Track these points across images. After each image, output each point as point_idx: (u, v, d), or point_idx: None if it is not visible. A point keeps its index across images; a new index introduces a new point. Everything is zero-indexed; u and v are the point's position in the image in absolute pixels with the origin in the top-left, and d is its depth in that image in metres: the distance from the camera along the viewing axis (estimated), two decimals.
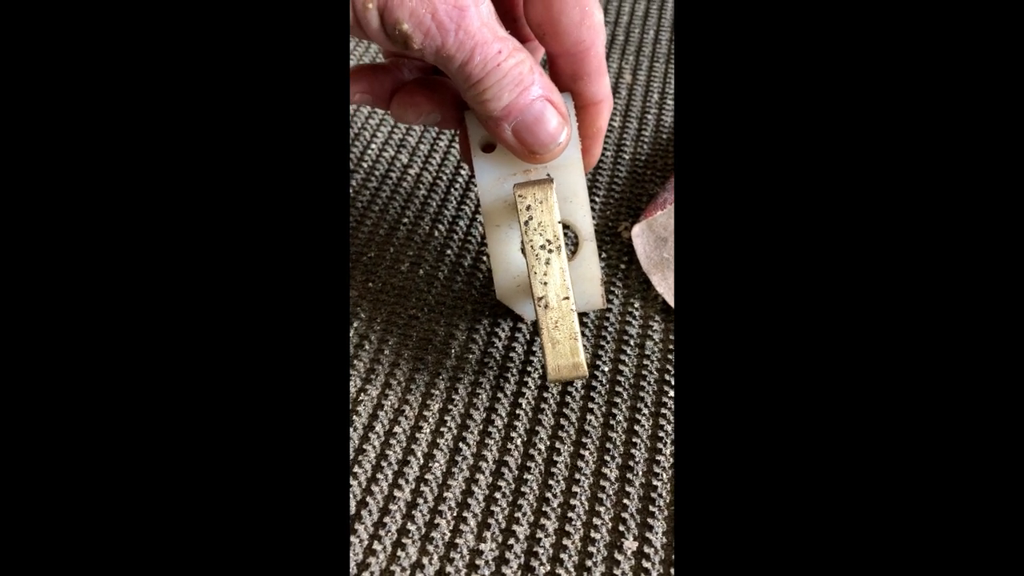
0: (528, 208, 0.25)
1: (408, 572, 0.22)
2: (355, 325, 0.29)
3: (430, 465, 0.25)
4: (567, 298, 0.24)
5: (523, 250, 0.25)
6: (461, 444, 0.25)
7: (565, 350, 0.24)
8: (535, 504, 0.24)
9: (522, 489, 0.24)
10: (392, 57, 0.28)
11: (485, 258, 0.31)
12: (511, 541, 0.23)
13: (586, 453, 0.25)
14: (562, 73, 0.26)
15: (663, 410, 0.26)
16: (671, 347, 0.27)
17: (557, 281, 0.25)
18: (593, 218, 0.31)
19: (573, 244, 0.28)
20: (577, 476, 0.24)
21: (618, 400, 0.26)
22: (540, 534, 0.23)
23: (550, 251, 0.25)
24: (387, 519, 0.23)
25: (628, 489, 0.24)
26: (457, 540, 0.23)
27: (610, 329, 0.28)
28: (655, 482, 0.24)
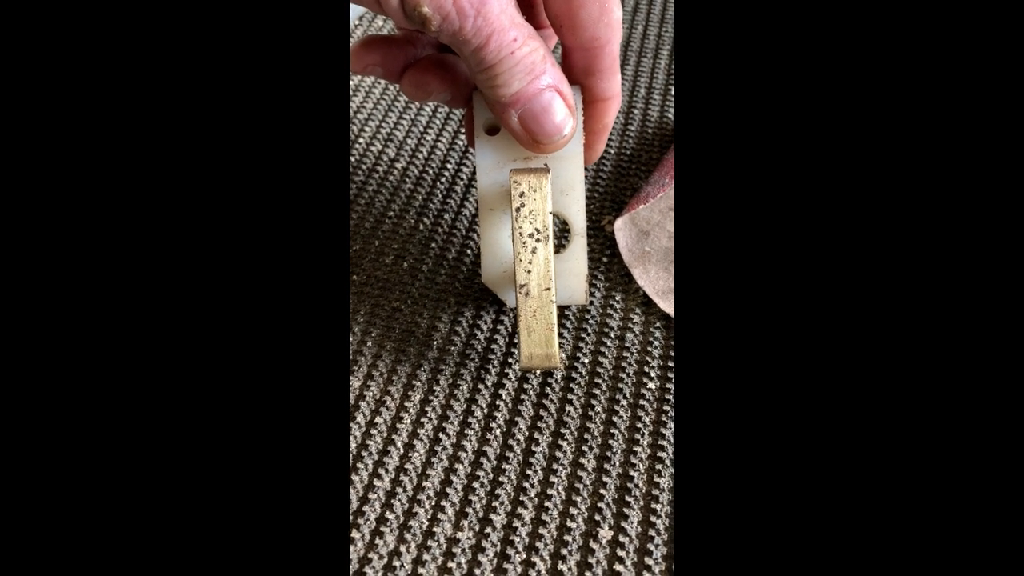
0: (521, 195, 0.25)
1: (385, 560, 0.23)
2: None
3: (410, 455, 0.25)
4: (548, 289, 0.25)
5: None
6: (441, 434, 0.25)
7: (540, 339, 0.25)
8: (512, 494, 0.24)
9: (500, 479, 0.24)
10: (405, 31, 0.28)
11: (469, 251, 0.31)
12: (488, 530, 0.23)
13: (564, 443, 0.25)
14: (575, 67, 0.26)
15: (641, 401, 0.26)
16: (650, 339, 0.28)
17: (541, 271, 0.25)
18: None
19: (557, 237, 0.28)
20: (555, 466, 0.24)
21: (597, 391, 0.26)
22: (516, 523, 0.23)
23: (537, 240, 0.25)
24: (366, 508, 0.24)
25: (605, 479, 0.24)
26: (435, 528, 0.23)
27: (591, 321, 0.28)
28: (631, 472, 0.24)
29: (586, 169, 0.34)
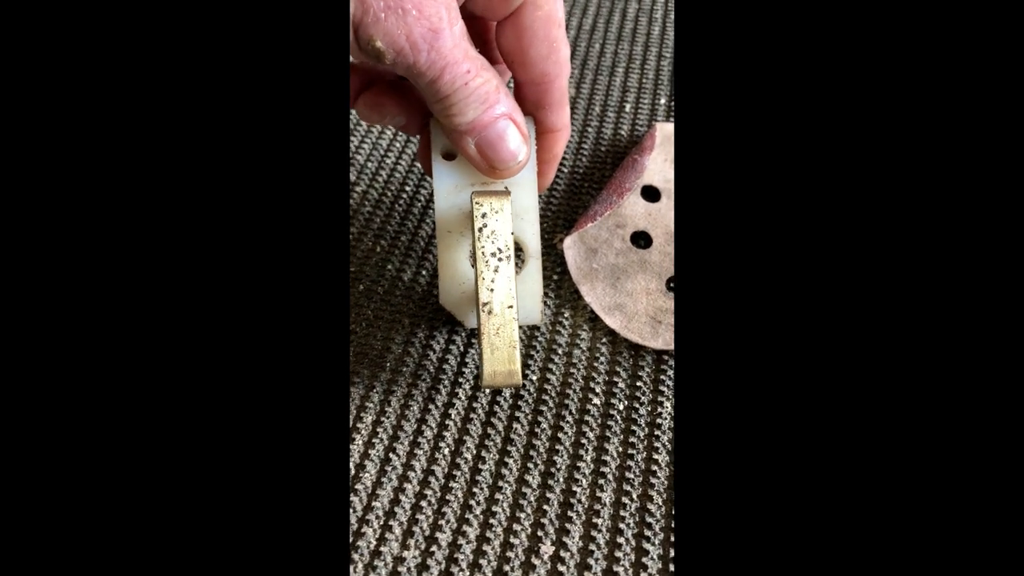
0: (484, 216, 0.25)
1: None
2: None
3: (360, 476, 0.25)
4: (511, 307, 0.25)
5: (472, 257, 0.26)
6: (391, 455, 0.26)
7: (503, 356, 0.25)
8: (459, 512, 0.24)
9: (447, 497, 0.25)
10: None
11: (424, 271, 0.32)
12: (433, 548, 0.24)
13: (510, 460, 0.25)
14: (526, 99, 0.27)
15: (587, 417, 0.26)
16: (597, 355, 0.28)
17: (503, 289, 0.25)
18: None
19: (520, 261, 0.29)
20: (500, 484, 0.25)
21: (544, 408, 0.27)
22: (461, 540, 0.24)
23: (500, 259, 0.25)
24: None
25: (548, 495, 0.25)
26: (382, 548, 0.24)
27: (540, 339, 0.29)
28: (575, 487, 0.25)
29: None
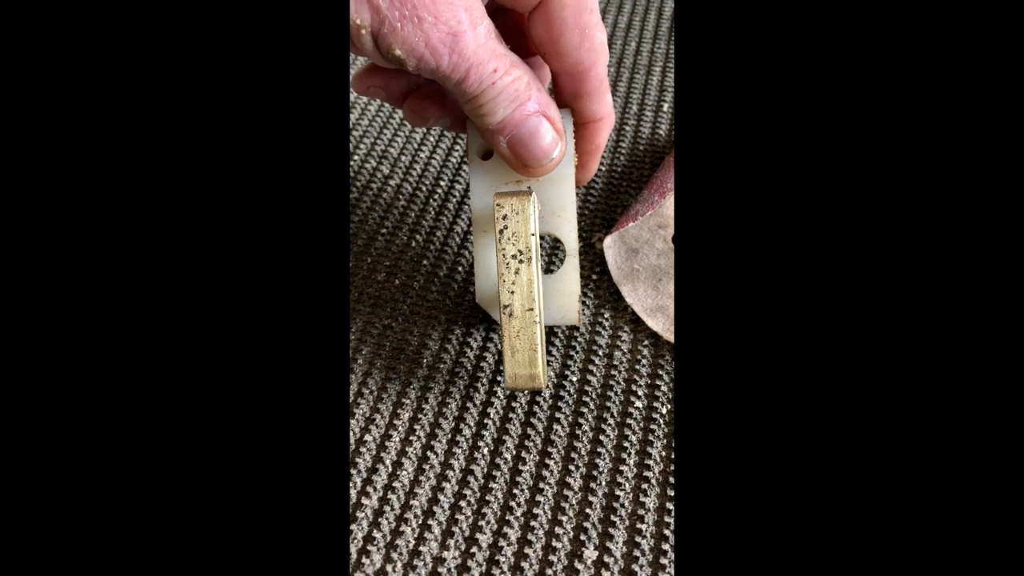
0: (504, 217, 0.25)
1: None
2: None
3: (398, 473, 0.25)
4: (531, 309, 0.25)
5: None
6: (429, 453, 0.26)
7: (523, 359, 0.25)
8: (499, 513, 0.24)
9: (487, 498, 0.24)
10: None
11: (460, 268, 0.31)
12: (474, 549, 0.23)
13: (551, 462, 0.25)
14: (563, 90, 0.26)
15: (628, 420, 0.26)
16: (638, 358, 0.28)
17: (524, 291, 0.25)
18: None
19: (549, 256, 0.28)
20: (541, 485, 0.25)
21: (584, 410, 0.26)
22: (502, 542, 0.23)
23: (520, 261, 0.25)
24: (353, 527, 0.24)
25: (591, 499, 0.24)
26: (421, 548, 0.23)
27: (580, 339, 0.28)
28: (617, 491, 0.24)
29: (577, 187, 0.34)
